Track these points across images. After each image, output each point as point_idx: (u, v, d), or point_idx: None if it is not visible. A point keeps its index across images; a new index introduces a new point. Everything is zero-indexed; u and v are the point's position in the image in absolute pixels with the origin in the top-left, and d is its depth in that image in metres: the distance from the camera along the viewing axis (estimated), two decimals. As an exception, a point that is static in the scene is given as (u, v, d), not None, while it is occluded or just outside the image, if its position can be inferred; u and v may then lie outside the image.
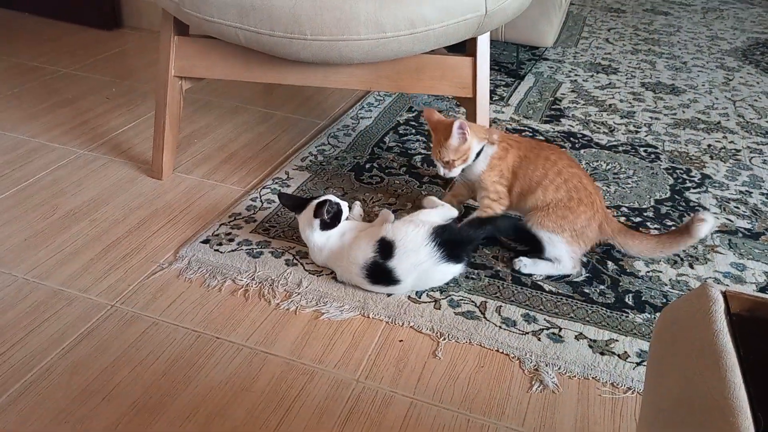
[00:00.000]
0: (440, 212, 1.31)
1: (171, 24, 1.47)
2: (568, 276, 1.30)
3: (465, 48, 1.51)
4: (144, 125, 1.84)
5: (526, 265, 1.31)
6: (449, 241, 1.21)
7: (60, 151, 1.68)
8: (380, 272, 1.19)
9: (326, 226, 1.25)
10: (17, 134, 1.75)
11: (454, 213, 1.33)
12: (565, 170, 1.29)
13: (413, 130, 1.91)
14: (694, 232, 1.26)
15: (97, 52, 2.37)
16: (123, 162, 1.65)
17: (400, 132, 1.90)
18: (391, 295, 1.22)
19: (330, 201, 1.25)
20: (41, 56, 2.29)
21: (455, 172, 1.33)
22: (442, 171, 1.34)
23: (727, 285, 1.30)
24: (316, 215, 1.24)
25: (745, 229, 1.50)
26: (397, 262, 1.18)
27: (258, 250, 1.33)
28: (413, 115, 2.01)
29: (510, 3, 1.38)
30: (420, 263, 1.18)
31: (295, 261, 1.30)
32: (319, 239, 1.25)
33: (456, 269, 1.24)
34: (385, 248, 1.19)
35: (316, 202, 1.26)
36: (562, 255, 1.29)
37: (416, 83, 1.51)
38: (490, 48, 1.50)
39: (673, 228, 1.45)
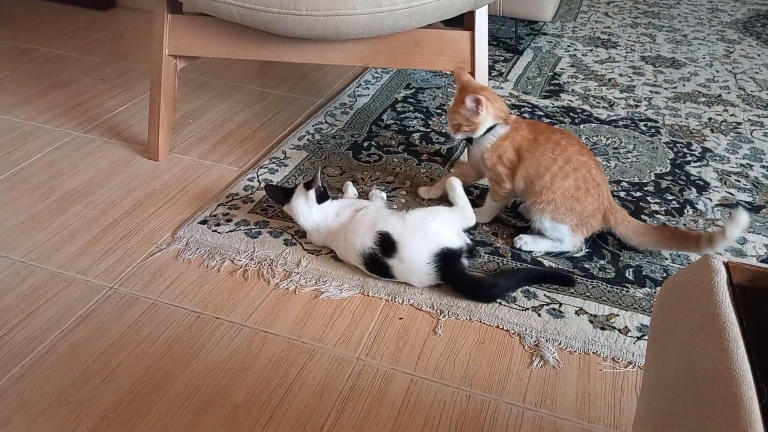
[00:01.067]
0: (458, 216, 1.24)
1: (164, 2, 1.44)
2: (567, 252, 1.29)
3: (463, 22, 1.48)
4: (139, 106, 1.82)
5: (526, 242, 1.29)
6: (452, 276, 1.16)
7: (55, 134, 1.66)
8: (377, 264, 1.17)
9: (323, 197, 1.24)
10: (12, 117, 1.73)
11: (471, 221, 1.26)
12: (575, 158, 1.24)
13: (411, 108, 1.89)
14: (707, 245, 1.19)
15: (91, 33, 2.34)
16: (119, 143, 1.63)
17: (398, 109, 1.87)
18: (390, 272, 1.21)
19: (315, 177, 1.25)
20: (35, 38, 2.26)
21: (458, 136, 1.32)
22: (449, 129, 1.33)
23: (729, 258, 1.29)
24: (309, 187, 1.23)
25: (746, 202, 1.48)
26: (396, 263, 1.15)
27: (256, 230, 1.32)
28: (411, 92, 1.99)
29: (508, -25, 1.36)
30: (417, 272, 1.15)
31: (293, 241, 1.29)
32: (317, 216, 1.24)
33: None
34: (387, 245, 1.14)
35: (302, 183, 1.26)
36: (565, 239, 1.27)
37: (414, 58, 1.48)
38: (489, 23, 1.47)
39: (684, 227, 1.38)
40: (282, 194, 1.28)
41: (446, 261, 1.14)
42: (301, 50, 1.47)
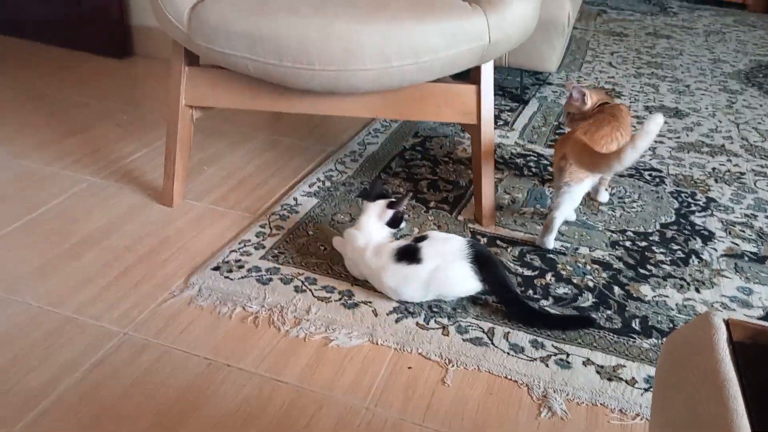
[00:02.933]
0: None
1: (181, 54, 1.51)
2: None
3: (469, 75, 1.54)
4: (154, 153, 1.88)
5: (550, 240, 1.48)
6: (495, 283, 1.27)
7: (72, 179, 1.71)
8: (409, 253, 1.25)
9: (396, 223, 1.34)
10: (31, 162, 1.79)
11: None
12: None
13: (419, 156, 1.94)
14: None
15: (108, 80, 2.43)
16: (133, 189, 1.68)
17: (406, 157, 1.93)
18: (399, 321, 1.24)
19: (402, 201, 1.36)
20: (55, 84, 2.34)
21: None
22: (566, 123, 1.69)
23: (734, 310, 1.32)
24: (391, 207, 1.33)
25: (751, 252, 1.51)
26: (433, 255, 1.25)
27: (267, 276, 1.35)
28: (419, 140, 2.04)
29: (513, 32, 1.42)
30: (454, 271, 1.24)
31: (304, 287, 1.32)
32: (375, 235, 1.32)
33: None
34: (419, 240, 1.29)
35: (391, 200, 1.36)
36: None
37: (421, 110, 1.54)
38: (494, 73, 1.53)
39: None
40: (375, 193, 1.38)
41: (485, 263, 1.24)
42: (313, 102, 1.53)
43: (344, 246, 1.38)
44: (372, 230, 1.33)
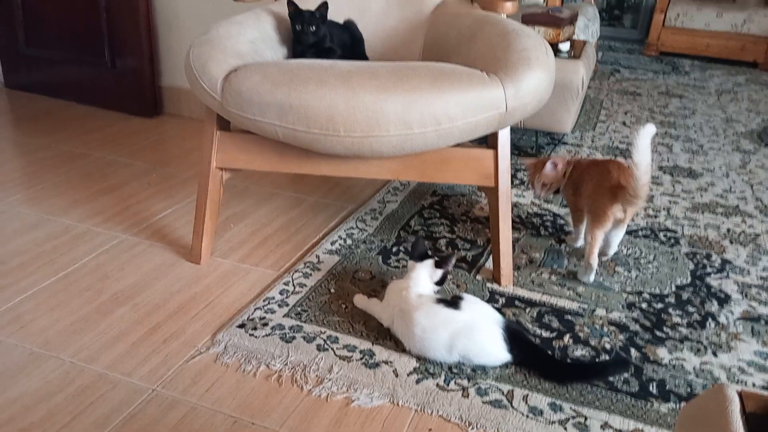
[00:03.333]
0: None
1: (214, 120, 1.60)
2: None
3: (487, 139, 1.61)
4: (183, 210, 1.96)
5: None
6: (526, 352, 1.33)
7: (104, 236, 1.79)
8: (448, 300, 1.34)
9: (441, 281, 1.43)
10: (66, 219, 1.87)
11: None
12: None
13: (437, 214, 1.99)
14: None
15: (139, 139, 2.53)
16: (163, 247, 1.75)
17: (425, 216, 1.98)
18: (420, 382, 1.26)
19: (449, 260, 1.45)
20: (89, 143, 2.46)
21: (548, 194, 1.76)
22: (539, 194, 1.76)
23: (751, 374, 1.32)
24: (439, 266, 1.42)
25: None
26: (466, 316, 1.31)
27: (291, 334, 1.39)
28: (437, 198, 2.10)
29: (529, 101, 1.49)
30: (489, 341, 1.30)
31: (326, 346, 1.36)
32: (424, 290, 1.39)
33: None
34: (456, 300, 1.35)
35: (436, 260, 1.44)
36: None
37: (441, 173, 1.60)
38: (510, 133, 1.59)
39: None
40: (418, 253, 1.46)
41: (517, 336, 1.31)
42: (337, 165, 1.60)
43: (368, 304, 1.45)
44: (420, 285, 1.40)
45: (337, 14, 1.81)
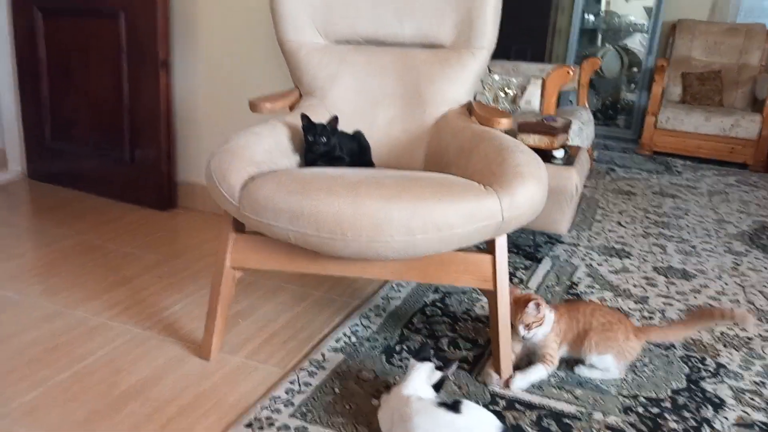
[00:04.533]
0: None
1: (230, 223, 1.70)
2: (617, 379, 1.71)
3: (486, 244, 1.71)
4: (193, 305, 2.03)
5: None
6: None
7: (118, 330, 1.86)
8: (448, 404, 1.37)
9: (438, 387, 1.46)
10: (81, 312, 1.95)
11: None
12: (598, 310, 1.74)
13: (439, 312, 2.06)
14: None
15: (152, 231, 2.65)
16: (174, 341, 1.81)
17: (427, 313, 2.05)
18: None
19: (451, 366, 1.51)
20: (103, 235, 2.57)
21: (530, 334, 1.67)
22: (523, 333, 1.68)
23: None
24: (440, 369, 1.47)
25: (761, 423, 1.56)
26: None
27: (295, 433, 1.43)
28: (439, 296, 2.18)
29: (524, 211, 1.59)
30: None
31: (330, 446, 1.39)
32: (421, 392, 1.42)
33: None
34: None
35: (440, 364, 1.49)
36: (611, 367, 1.69)
37: (442, 276, 1.69)
38: (509, 233, 1.68)
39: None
40: (421, 356, 1.50)
41: None
42: (344, 266, 1.69)
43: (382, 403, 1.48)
44: (418, 387, 1.43)
45: (347, 125, 1.96)
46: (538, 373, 1.68)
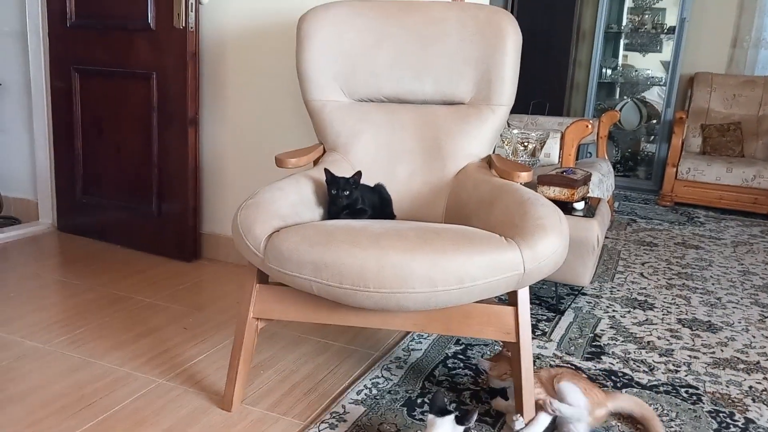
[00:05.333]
0: None
1: (255, 274, 1.74)
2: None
3: (508, 295, 1.72)
4: (216, 356, 2.06)
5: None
6: None
7: (142, 380, 1.88)
8: None
9: None
10: (106, 362, 1.98)
11: None
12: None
13: (461, 364, 2.06)
14: None
15: (177, 283, 2.70)
16: (196, 392, 1.83)
17: (449, 365, 2.04)
18: None
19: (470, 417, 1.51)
20: (130, 286, 2.62)
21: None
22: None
23: None
24: (460, 422, 1.47)
25: (795, 480, 1.52)
26: None
27: (317, 487, 1.42)
28: (461, 348, 2.17)
29: (545, 264, 1.61)
30: None
31: (351, 500, 1.38)
32: None
33: None
34: None
35: (457, 413, 1.50)
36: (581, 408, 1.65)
37: (465, 328, 1.70)
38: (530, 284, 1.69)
39: None
40: (437, 407, 1.50)
41: None
42: (365, 317, 1.71)
43: None
44: None
45: (369, 178, 2.01)
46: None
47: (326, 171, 1.86)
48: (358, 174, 1.87)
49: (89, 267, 2.83)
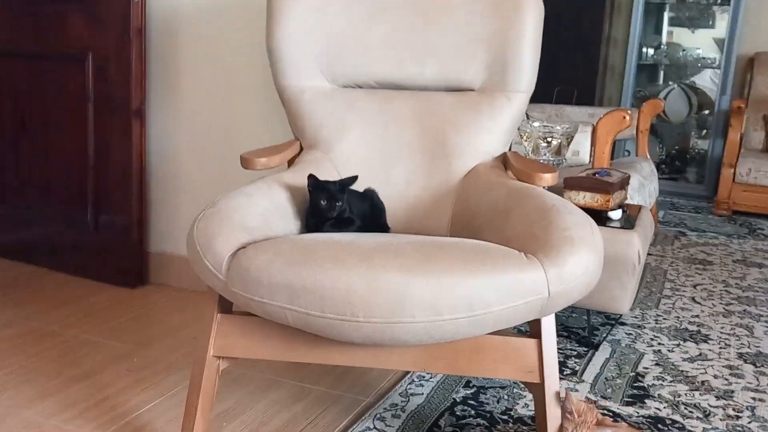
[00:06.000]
0: None
1: (215, 302, 1.74)
2: None
3: (529, 326, 1.72)
4: (168, 403, 2.05)
5: None
6: None
7: (75, 435, 1.87)
8: None
9: None
10: (32, 414, 1.97)
11: None
12: None
13: (473, 412, 2.05)
14: None
15: (118, 314, 2.69)
16: (143, 449, 1.82)
17: (457, 414, 2.04)
18: None
19: None
20: (60, 319, 2.61)
21: None
22: None
23: None
24: None
25: None
26: None
27: None
28: (471, 391, 2.17)
29: (574, 286, 1.62)
30: None
31: None
32: None
33: None
34: None
35: None
36: None
37: (475, 366, 1.70)
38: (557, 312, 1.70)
39: None
40: None
41: None
42: (353, 353, 1.71)
43: None
44: None
45: (357, 182, 2.01)
46: None
47: (310, 177, 1.83)
48: (352, 180, 1.86)
49: (8, 296, 2.82)
